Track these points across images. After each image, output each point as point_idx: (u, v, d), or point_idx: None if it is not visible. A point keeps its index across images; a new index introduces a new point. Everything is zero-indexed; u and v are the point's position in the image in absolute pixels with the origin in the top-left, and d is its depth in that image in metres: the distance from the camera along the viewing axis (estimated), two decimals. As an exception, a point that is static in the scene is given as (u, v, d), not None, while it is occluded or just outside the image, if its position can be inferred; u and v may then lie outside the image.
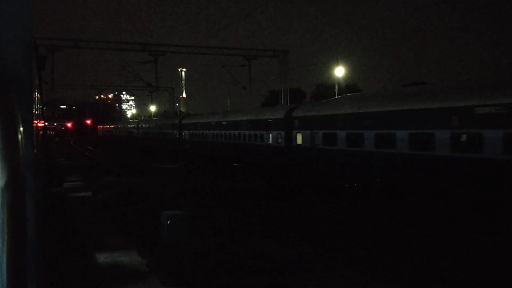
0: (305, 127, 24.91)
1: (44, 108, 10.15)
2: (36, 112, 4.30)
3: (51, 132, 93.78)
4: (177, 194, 22.87)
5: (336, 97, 26.79)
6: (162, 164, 40.88)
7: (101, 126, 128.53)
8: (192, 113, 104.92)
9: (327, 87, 79.46)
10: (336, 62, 46.73)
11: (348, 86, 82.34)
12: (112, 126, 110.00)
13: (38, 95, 5.84)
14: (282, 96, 49.65)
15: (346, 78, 72.61)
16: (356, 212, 17.78)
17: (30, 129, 2.53)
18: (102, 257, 10.89)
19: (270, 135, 29.09)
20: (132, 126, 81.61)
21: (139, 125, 74.01)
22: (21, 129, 1.62)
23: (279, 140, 27.92)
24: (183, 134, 48.28)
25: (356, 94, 23.08)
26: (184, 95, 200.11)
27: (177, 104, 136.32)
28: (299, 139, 25.36)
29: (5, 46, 2.21)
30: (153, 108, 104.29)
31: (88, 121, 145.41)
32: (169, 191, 23.62)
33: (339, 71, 46.58)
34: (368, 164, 19.56)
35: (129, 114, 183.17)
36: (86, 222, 15.04)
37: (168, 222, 12.54)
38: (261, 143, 30.37)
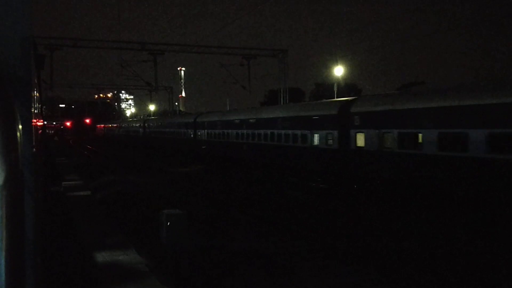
0: (371, 125, 19.92)
1: (43, 107, 10.15)
2: (35, 111, 4.31)
3: (50, 131, 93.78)
4: (188, 197, 21.74)
5: (416, 86, 21.90)
6: (174, 167, 36.84)
7: (102, 125, 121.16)
8: (191, 112, 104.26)
9: (326, 87, 79.50)
10: (335, 61, 46.78)
11: (347, 85, 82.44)
12: (115, 125, 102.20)
13: (37, 94, 5.84)
14: (282, 96, 49.68)
15: (346, 78, 72.67)
16: (357, 212, 17.77)
17: (29, 128, 2.54)
18: (101, 256, 10.89)
19: (317, 135, 24.17)
20: (137, 125, 74.99)
21: (146, 124, 67.39)
22: (20, 127, 1.63)
23: (330, 141, 23.05)
24: (198, 133, 42.90)
25: (455, 83, 17.91)
26: (183, 94, 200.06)
27: (176, 103, 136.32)
28: (360, 140, 20.54)
29: (4, 45, 2.22)
30: (152, 107, 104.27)
31: (87, 120, 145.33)
32: (180, 194, 22.97)
33: (338, 71, 46.61)
34: (477, 176, 14.68)
35: (128, 113, 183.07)
36: (85, 221, 15.03)
37: (167, 221, 12.54)
38: (303, 145, 25.35)
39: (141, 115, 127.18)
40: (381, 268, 10.91)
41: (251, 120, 32.30)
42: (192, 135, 44.67)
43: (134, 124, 78.98)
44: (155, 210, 15.46)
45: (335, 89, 45.53)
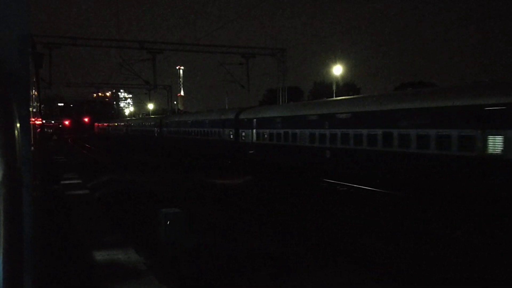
0: None
1: (42, 105, 10.14)
2: (34, 110, 4.30)
3: (49, 130, 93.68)
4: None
5: None
6: (212, 177, 28.12)
7: (105, 124, 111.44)
8: (192, 111, 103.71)
9: (325, 86, 79.61)
10: (334, 60, 46.81)
11: (346, 84, 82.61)
12: (122, 123, 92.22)
13: (36, 93, 5.84)
14: (280, 95, 49.72)
15: (344, 77, 72.79)
16: (358, 212, 17.79)
17: (27, 126, 2.53)
18: (100, 255, 10.89)
19: (500, 138, 14.81)
20: (151, 123, 64.71)
21: (163, 122, 57.45)
22: (18, 126, 1.63)
23: None
24: (242, 134, 33.86)
25: None
26: (182, 93, 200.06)
27: (175, 102, 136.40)
28: None
29: (2, 43, 2.21)
30: (151, 106, 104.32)
31: (86, 119, 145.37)
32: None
33: (337, 70, 46.65)
34: None
35: (126, 112, 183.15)
36: (83, 220, 15.03)
37: (166, 220, 12.54)
38: (463, 153, 16.07)
39: (140, 113, 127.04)
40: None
41: (342, 116, 22.94)
42: (232, 136, 35.64)
43: (147, 123, 68.73)
44: (154, 208, 15.46)
45: (334, 88, 45.58)
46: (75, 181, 25.38)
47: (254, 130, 31.85)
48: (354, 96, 27.31)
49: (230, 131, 35.99)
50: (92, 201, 19.03)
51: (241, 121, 34.27)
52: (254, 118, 32.32)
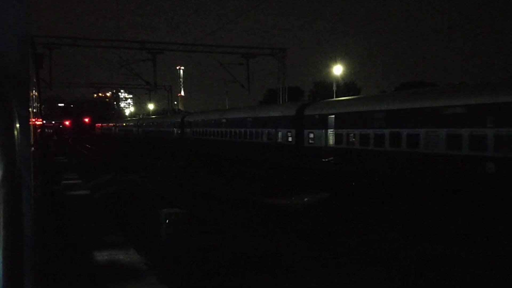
0: None
1: (43, 106, 10.17)
2: (34, 110, 4.31)
3: (49, 130, 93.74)
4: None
5: None
6: (268, 197, 20.47)
7: (111, 124, 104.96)
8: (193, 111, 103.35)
9: (325, 86, 79.63)
10: (335, 60, 46.81)
11: (347, 84, 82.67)
12: (131, 123, 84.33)
13: (36, 93, 5.84)
14: (281, 95, 49.72)
15: (345, 77, 72.80)
16: (358, 211, 17.77)
17: (27, 126, 2.53)
18: (100, 255, 10.88)
19: None
20: (170, 123, 56.61)
21: (185, 121, 49.33)
22: (18, 126, 1.63)
23: None
24: (309, 136, 26.15)
25: None
26: (182, 93, 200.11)
27: (175, 102, 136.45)
28: None
29: (2, 44, 2.21)
30: (151, 107, 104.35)
31: (87, 119, 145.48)
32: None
33: (338, 70, 46.64)
34: None
35: (127, 112, 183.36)
36: (84, 220, 15.03)
37: (167, 220, 12.54)
38: None
39: (141, 114, 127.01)
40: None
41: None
42: (290, 139, 27.90)
43: (164, 122, 61.14)
44: (154, 208, 15.45)
45: (334, 88, 45.59)
46: (76, 181, 25.39)
47: (332, 131, 24.02)
48: None
49: (288, 132, 28.15)
50: (92, 201, 19.03)
51: (307, 119, 26.38)
52: (332, 114, 24.21)
